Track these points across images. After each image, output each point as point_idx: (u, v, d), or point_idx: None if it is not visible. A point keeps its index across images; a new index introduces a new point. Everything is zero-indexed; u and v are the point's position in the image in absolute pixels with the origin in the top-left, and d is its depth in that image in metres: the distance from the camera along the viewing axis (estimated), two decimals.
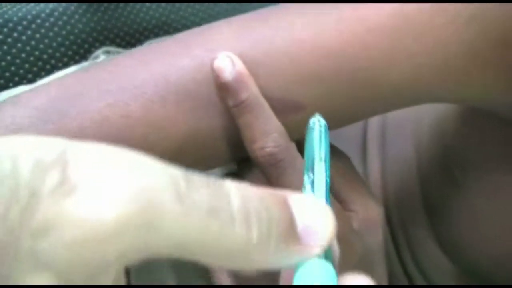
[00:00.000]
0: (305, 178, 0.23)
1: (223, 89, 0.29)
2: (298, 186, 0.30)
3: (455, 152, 0.37)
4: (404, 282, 0.44)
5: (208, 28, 0.32)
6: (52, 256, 0.13)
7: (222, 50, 0.30)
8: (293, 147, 0.31)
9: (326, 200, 0.22)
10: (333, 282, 0.17)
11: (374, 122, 0.46)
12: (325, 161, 0.24)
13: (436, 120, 0.39)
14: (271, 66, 0.29)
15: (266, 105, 0.30)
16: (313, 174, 0.23)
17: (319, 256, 0.17)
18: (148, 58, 0.31)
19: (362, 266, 0.34)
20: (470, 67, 0.29)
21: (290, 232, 0.16)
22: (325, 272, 0.17)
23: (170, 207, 0.14)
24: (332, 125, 0.33)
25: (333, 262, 0.18)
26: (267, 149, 0.30)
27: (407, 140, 0.43)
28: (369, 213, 0.35)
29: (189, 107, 0.29)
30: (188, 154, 0.30)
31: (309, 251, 0.17)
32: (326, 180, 0.23)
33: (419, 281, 0.43)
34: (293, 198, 0.17)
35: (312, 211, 0.17)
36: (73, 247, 0.13)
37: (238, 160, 0.46)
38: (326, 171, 0.23)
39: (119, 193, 0.13)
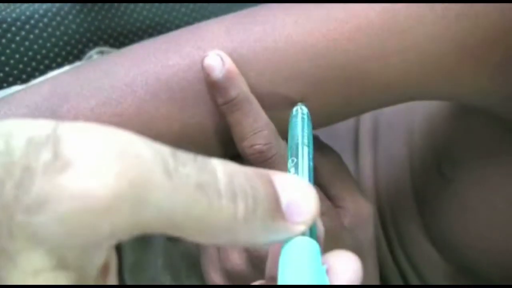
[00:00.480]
0: (289, 162, 0.23)
1: (213, 87, 0.29)
2: None
3: (446, 149, 0.38)
4: (396, 276, 0.44)
5: (199, 26, 0.32)
6: (46, 231, 0.13)
7: (213, 48, 0.30)
8: (283, 144, 0.31)
9: (310, 181, 0.22)
10: (318, 258, 0.18)
11: (366, 119, 0.46)
12: (308, 145, 0.24)
13: (427, 117, 0.40)
14: (261, 64, 0.30)
15: (255, 103, 0.30)
16: (297, 158, 0.23)
17: (304, 233, 0.18)
18: (139, 57, 0.31)
19: None
20: (460, 63, 0.29)
21: (275, 209, 0.17)
22: (311, 249, 0.17)
23: (160, 182, 0.14)
24: (324, 122, 0.33)
25: (317, 240, 0.19)
26: (257, 147, 0.30)
27: (399, 137, 0.43)
28: (360, 210, 0.35)
29: (180, 105, 0.30)
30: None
31: (295, 227, 0.17)
32: (309, 164, 0.23)
33: (411, 275, 0.43)
34: (278, 176, 0.17)
35: (296, 189, 0.17)
36: (66, 221, 0.13)
37: (229, 157, 0.46)
38: (309, 155, 0.23)
39: (111, 168, 0.13)
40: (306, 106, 0.28)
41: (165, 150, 0.15)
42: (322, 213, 0.32)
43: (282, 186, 0.17)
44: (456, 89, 0.31)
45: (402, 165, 0.42)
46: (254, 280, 0.33)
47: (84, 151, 0.14)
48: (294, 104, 0.30)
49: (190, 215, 0.15)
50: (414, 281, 0.43)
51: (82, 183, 0.13)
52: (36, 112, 0.29)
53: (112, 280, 0.16)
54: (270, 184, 0.17)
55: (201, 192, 0.15)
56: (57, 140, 0.14)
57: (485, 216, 0.36)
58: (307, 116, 0.26)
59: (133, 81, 0.30)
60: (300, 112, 0.26)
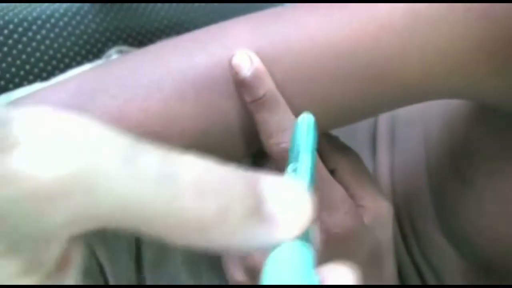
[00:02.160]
0: (289, 167, 0.23)
1: (241, 86, 0.30)
2: None
3: (464, 149, 0.38)
4: (412, 273, 0.44)
5: (224, 25, 0.32)
6: None
7: (238, 47, 0.30)
8: None
9: (309, 187, 0.22)
10: (309, 266, 0.16)
11: (384, 118, 0.46)
12: (311, 152, 0.24)
13: (445, 117, 0.40)
14: (286, 64, 0.30)
15: (282, 102, 0.30)
16: (297, 164, 0.23)
17: (296, 239, 0.16)
18: (165, 54, 0.31)
19: (371, 262, 0.35)
20: (479, 63, 0.29)
21: (253, 211, 0.15)
22: (298, 256, 0.16)
23: (114, 169, 0.13)
24: (343, 121, 0.33)
25: (313, 247, 0.17)
26: (282, 145, 0.30)
27: (416, 136, 0.43)
28: (379, 209, 0.35)
29: (206, 103, 0.30)
30: (204, 150, 0.31)
31: (278, 232, 0.16)
32: (311, 170, 0.23)
33: (427, 272, 0.43)
34: (267, 178, 0.16)
35: (286, 192, 0.16)
36: (11, 203, 0.12)
37: (253, 154, 0.47)
38: (311, 162, 0.23)
39: (58, 152, 0.13)
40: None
41: (126, 139, 0.14)
42: (345, 212, 0.32)
43: (270, 189, 0.16)
44: (476, 89, 0.31)
45: (419, 164, 0.42)
46: None
47: (34, 133, 0.13)
48: (319, 103, 0.30)
49: (151, 208, 0.14)
50: (430, 277, 0.43)
51: (25, 164, 0.12)
52: (63, 110, 0.30)
53: (70, 275, 0.15)
54: (251, 185, 0.15)
55: (163, 184, 0.14)
56: (10, 120, 0.13)
57: (503, 214, 0.36)
58: (313, 124, 0.26)
59: (160, 78, 0.30)
60: (306, 120, 0.26)
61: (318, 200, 0.31)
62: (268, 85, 0.30)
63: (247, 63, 0.29)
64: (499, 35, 0.28)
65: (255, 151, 0.34)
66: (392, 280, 0.37)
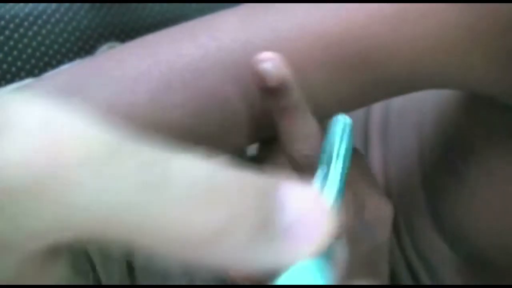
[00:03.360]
0: (318, 171, 0.21)
1: (266, 93, 0.29)
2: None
3: (457, 142, 0.37)
4: (403, 268, 0.44)
5: (212, 17, 0.32)
6: None
7: (228, 38, 0.30)
8: None
9: (337, 197, 0.20)
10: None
11: (377, 111, 0.46)
12: (344, 159, 0.23)
13: (438, 108, 0.40)
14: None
15: (306, 110, 0.30)
16: (328, 169, 0.21)
17: (315, 257, 0.14)
18: (153, 46, 0.31)
19: (367, 263, 0.35)
20: (472, 51, 0.29)
21: (268, 223, 0.13)
22: (314, 277, 0.14)
23: (94, 164, 0.11)
24: (335, 111, 0.33)
25: (334, 267, 0.15)
26: (305, 152, 0.30)
27: (410, 129, 0.43)
28: (379, 210, 0.35)
29: (194, 95, 0.30)
30: (192, 142, 0.30)
31: (294, 249, 0.13)
32: (341, 178, 0.21)
33: (419, 267, 0.43)
34: (286, 185, 0.13)
35: (306, 202, 0.14)
36: None
37: (240, 150, 0.46)
38: (342, 169, 0.22)
39: (30, 140, 0.11)
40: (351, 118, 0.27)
41: (110, 135, 0.12)
42: (353, 212, 0.33)
43: (288, 197, 0.13)
44: (468, 77, 0.31)
45: (412, 156, 0.42)
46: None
47: (9, 120, 0.12)
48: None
49: (136, 219, 0.12)
50: (422, 272, 0.43)
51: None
52: (51, 102, 0.29)
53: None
54: (266, 192, 0.13)
55: (151, 190, 0.12)
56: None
57: (497, 206, 0.36)
58: (349, 128, 0.25)
59: (147, 70, 0.30)
60: (343, 122, 0.25)
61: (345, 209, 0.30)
62: (293, 94, 0.29)
63: (275, 71, 0.28)
64: (492, 24, 0.28)
65: (243, 146, 0.33)
66: (385, 279, 0.37)
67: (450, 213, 0.39)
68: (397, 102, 0.44)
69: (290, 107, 0.29)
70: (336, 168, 0.21)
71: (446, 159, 0.38)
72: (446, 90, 0.36)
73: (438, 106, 0.40)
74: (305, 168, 0.30)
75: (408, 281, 0.44)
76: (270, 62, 0.28)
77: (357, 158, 0.35)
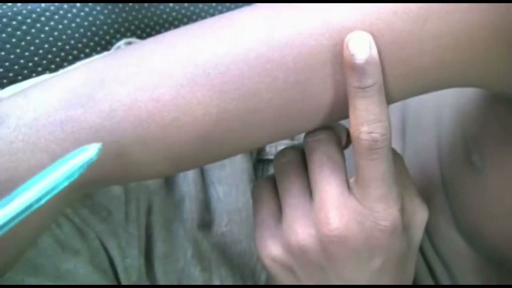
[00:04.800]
0: None
1: (352, 69, 0.29)
2: (378, 178, 0.31)
3: (476, 138, 0.37)
4: (422, 268, 0.44)
5: (234, 13, 0.32)
6: None
7: (250, 33, 0.30)
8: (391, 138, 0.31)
9: None
10: None
11: (394, 112, 0.46)
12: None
13: (456, 106, 0.39)
14: (297, 50, 0.29)
15: (383, 93, 0.30)
16: None
17: None
18: (175, 42, 0.31)
19: (399, 261, 0.35)
20: (495, 50, 0.29)
21: None
22: None
23: None
24: None
25: None
26: (374, 135, 0.30)
27: (427, 127, 0.43)
28: (415, 212, 0.36)
29: (217, 90, 0.29)
30: (216, 138, 0.30)
31: None
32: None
33: (438, 266, 0.43)
34: None
35: None
36: None
37: (264, 146, 0.46)
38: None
39: None
40: None
41: None
42: (399, 209, 0.33)
43: None
44: (491, 77, 0.31)
45: (431, 155, 0.42)
46: (316, 261, 0.33)
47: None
48: None
49: None
50: (439, 270, 0.43)
51: None
52: (73, 98, 0.29)
53: None
54: None
55: None
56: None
57: None
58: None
59: (170, 66, 0.29)
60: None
61: (384, 192, 0.31)
62: (378, 76, 0.29)
63: (366, 49, 0.29)
64: None
65: (268, 142, 0.33)
66: (410, 281, 0.37)
67: (468, 210, 0.38)
68: (415, 100, 0.44)
69: (371, 88, 0.29)
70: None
71: (464, 156, 0.38)
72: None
73: (456, 103, 0.39)
74: (366, 151, 0.31)
75: (426, 278, 0.44)
76: (361, 39, 0.29)
77: (397, 161, 0.35)
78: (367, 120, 0.30)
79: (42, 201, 0.22)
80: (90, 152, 0.24)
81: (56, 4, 0.58)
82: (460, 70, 0.30)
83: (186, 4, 0.68)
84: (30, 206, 0.22)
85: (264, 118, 0.30)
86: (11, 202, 0.21)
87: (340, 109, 0.31)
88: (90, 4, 0.60)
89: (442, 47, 0.29)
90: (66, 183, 0.24)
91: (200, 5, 0.69)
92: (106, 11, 0.61)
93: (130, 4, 0.63)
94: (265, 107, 0.30)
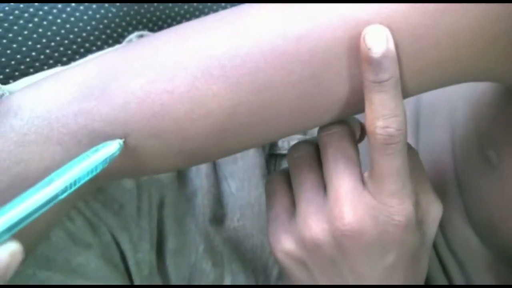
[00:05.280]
0: None
1: (368, 63, 0.29)
2: (393, 173, 0.31)
3: (490, 133, 0.37)
4: (435, 264, 0.43)
5: (246, 6, 0.31)
6: None
7: (265, 25, 0.29)
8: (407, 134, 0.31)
9: None
10: None
11: (408, 106, 0.45)
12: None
13: (470, 101, 0.39)
14: (313, 42, 0.29)
15: (400, 87, 0.30)
16: None
17: None
18: (189, 34, 0.30)
19: (413, 257, 0.34)
20: (511, 45, 0.29)
21: None
22: None
23: None
24: None
25: None
26: (389, 130, 0.30)
27: (441, 121, 0.42)
28: (430, 208, 0.35)
29: (232, 82, 0.29)
30: (230, 131, 0.30)
31: None
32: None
33: (451, 262, 0.43)
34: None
35: None
36: None
37: (277, 140, 0.46)
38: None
39: None
40: None
41: None
42: (413, 204, 0.33)
43: None
44: (507, 70, 0.30)
45: (444, 149, 0.42)
46: (329, 255, 0.33)
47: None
48: None
49: None
50: (452, 266, 0.43)
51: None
52: (86, 90, 0.29)
53: None
54: None
55: None
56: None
57: None
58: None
59: (184, 57, 0.29)
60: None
61: (399, 187, 0.31)
62: (395, 71, 0.29)
63: (383, 43, 0.28)
64: None
65: (281, 136, 0.33)
66: (423, 277, 0.37)
67: (481, 206, 0.38)
68: (428, 94, 0.43)
69: (387, 82, 0.29)
70: None
71: (478, 150, 0.38)
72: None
73: (470, 98, 0.39)
74: (381, 146, 0.30)
75: (439, 275, 0.44)
76: (379, 32, 0.28)
77: (412, 156, 0.35)
78: (382, 114, 0.30)
79: (66, 193, 0.23)
80: (112, 147, 0.25)
81: None
82: (477, 64, 0.30)
83: None
84: (56, 196, 0.23)
85: (279, 111, 0.30)
86: (40, 190, 0.22)
87: (356, 103, 0.31)
88: None
89: (459, 41, 0.29)
90: (88, 177, 0.25)
91: None
92: (118, 4, 0.61)
93: None
94: (280, 100, 0.30)
